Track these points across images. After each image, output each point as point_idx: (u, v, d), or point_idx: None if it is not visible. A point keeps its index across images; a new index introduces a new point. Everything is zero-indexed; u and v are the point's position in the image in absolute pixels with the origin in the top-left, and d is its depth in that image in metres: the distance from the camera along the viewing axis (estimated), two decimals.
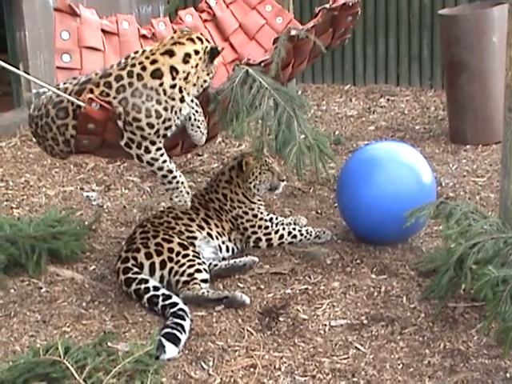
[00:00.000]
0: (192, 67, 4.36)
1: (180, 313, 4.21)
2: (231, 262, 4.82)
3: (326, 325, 4.28)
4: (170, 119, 4.30)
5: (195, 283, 4.51)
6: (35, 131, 4.54)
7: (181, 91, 4.32)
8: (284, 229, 5.19)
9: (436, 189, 5.27)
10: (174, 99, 4.30)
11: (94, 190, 6.35)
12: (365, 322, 4.29)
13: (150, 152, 4.32)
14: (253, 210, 5.18)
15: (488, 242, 4.09)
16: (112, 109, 4.23)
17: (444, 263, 4.27)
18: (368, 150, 5.44)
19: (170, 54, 4.33)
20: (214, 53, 4.43)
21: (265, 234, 5.15)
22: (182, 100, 4.34)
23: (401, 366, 3.90)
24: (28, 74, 6.86)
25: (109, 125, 4.29)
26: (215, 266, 4.76)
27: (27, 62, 7.84)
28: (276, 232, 5.16)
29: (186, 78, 4.34)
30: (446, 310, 4.32)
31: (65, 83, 4.51)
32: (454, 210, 4.36)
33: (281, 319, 4.34)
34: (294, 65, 5.05)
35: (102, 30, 5.22)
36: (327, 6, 4.97)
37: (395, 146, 5.56)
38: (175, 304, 4.29)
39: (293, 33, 4.69)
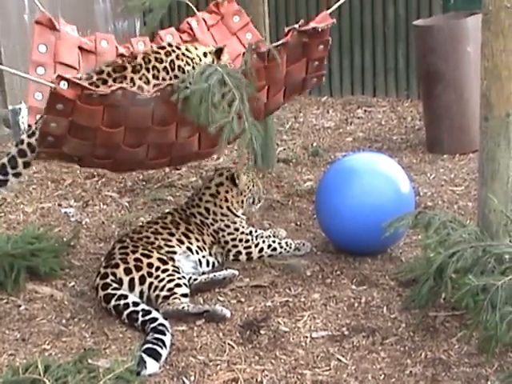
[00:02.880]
0: None
1: (160, 328, 4.18)
2: (211, 275, 4.80)
3: (307, 337, 4.27)
4: None
5: (175, 298, 4.49)
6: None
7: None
8: (264, 242, 5.19)
9: (414, 198, 5.28)
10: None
11: (72, 206, 6.32)
12: (346, 333, 4.28)
13: None
14: (235, 223, 5.17)
15: (467, 251, 4.09)
16: (82, 85, 4.29)
17: (424, 273, 4.28)
18: (346, 161, 5.44)
19: None
20: None
21: (245, 248, 5.14)
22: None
23: (382, 376, 3.89)
24: (3, 90, 6.83)
25: (78, 105, 4.31)
26: (195, 280, 4.74)
27: (2, 77, 7.80)
28: (256, 245, 5.16)
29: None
30: (427, 319, 4.32)
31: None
32: (433, 220, 4.36)
33: (262, 332, 4.32)
34: (268, 93, 5.03)
35: (80, 48, 5.25)
36: (296, 26, 5.00)
37: (373, 156, 5.57)
38: (155, 319, 4.26)
39: (263, 49, 4.70)
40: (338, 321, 4.40)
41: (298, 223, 5.72)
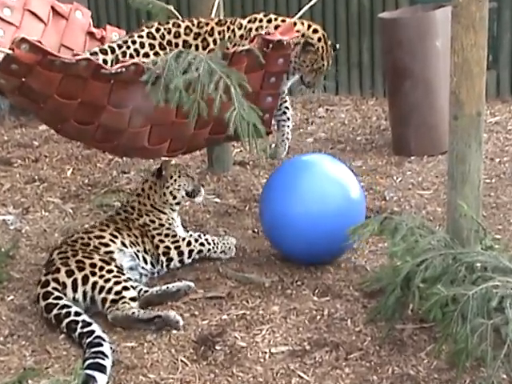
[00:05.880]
0: None
1: (96, 341, 4.19)
2: (163, 287, 4.80)
3: (265, 352, 4.27)
4: None
5: (124, 302, 4.52)
6: None
7: None
8: (191, 236, 5.30)
9: (365, 204, 5.28)
10: None
11: (10, 213, 6.26)
12: (307, 347, 4.29)
13: None
14: (160, 219, 5.28)
15: (436, 259, 4.12)
16: (45, 51, 4.35)
17: (390, 282, 4.29)
18: (290, 165, 5.42)
19: None
20: None
21: (173, 242, 5.20)
22: None
23: None
24: None
25: (36, 69, 4.38)
26: (146, 291, 4.73)
27: None
28: (183, 239, 5.24)
29: None
30: (394, 332, 4.34)
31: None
32: (400, 226, 4.39)
33: (217, 348, 4.32)
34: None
35: (53, 8, 5.47)
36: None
37: (320, 159, 5.55)
38: (92, 332, 4.27)
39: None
40: (299, 335, 4.41)
41: (256, 230, 5.73)
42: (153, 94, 4.55)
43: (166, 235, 5.22)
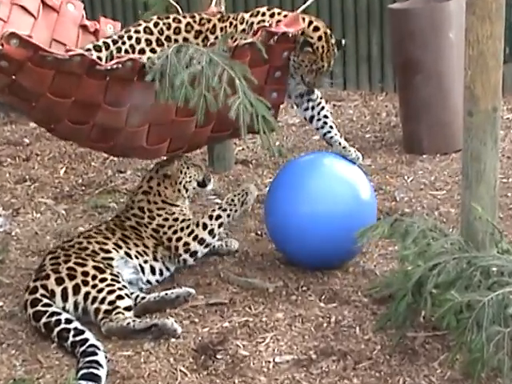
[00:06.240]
0: None
1: (90, 349, 4.19)
2: (162, 293, 4.78)
3: (269, 361, 4.26)
4: None
5: (118, 312, 4.50)
6: None
7: None
8: (203, 217, 5.20)
9: (376, 206, 5.28)
10: None
11: (0, 215, 6.27)
12: (313, 356, 4.28)
13: None
14: (173, 213, 5.23)
15: (449, 263, 4.11)
16: (37, 46, 4.33)
17: (401, 288, 4.29)
18: (296, 164, 5.42)
19: None
20: None
21: (189, 234, 5.13)
22: None
23: None
24: None
25: (27, 66, 4.36)
26: (143, 298, 4.72)
27: None
28: (197, 225, 5.16)
29: None
30: (405, 340, 4.33)
31: None
32: (411, 228, 4.38)
33: (218, 357, 4.31)
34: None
35: (42, 1, 5.44)
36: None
37: (327, 157, 5.54)
38: (85, 340, 4.26)
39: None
40: (305, 343, 4.41)
41: (259, 233, 5.72)
42: (161, 93, 4.52)
43: (182, 229, 5.13)
